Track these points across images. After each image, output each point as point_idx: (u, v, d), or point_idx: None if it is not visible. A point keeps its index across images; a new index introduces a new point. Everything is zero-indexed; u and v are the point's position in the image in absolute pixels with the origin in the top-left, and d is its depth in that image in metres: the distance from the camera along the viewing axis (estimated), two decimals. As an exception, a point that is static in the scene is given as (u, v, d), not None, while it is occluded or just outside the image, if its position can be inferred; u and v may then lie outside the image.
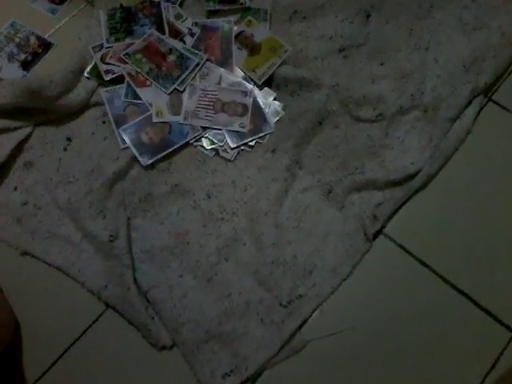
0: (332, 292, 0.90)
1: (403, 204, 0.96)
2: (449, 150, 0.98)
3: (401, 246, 0.93)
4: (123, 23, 1.07)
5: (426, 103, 1.01)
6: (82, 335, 0.88)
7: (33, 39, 1.08)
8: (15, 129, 0.98)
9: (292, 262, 0.91)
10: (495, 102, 1.03)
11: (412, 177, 0.96)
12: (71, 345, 0.88)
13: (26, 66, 1.06)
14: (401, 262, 0.92)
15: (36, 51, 1.08)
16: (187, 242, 0.92)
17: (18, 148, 0.98)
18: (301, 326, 0.87)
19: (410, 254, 0.92)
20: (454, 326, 0.87)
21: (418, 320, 0.88)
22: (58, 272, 0.92)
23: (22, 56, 1.07)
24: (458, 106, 1.00)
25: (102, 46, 1.05)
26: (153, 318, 0.87)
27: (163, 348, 0.87)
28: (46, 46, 1.08)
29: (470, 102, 1.01)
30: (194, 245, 0.92)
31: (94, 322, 0.89)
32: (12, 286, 0.91)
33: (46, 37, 1.09)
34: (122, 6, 1.09)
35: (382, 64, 1.05)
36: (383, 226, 0.94)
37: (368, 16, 1.09)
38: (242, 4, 1.09)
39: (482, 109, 1.02)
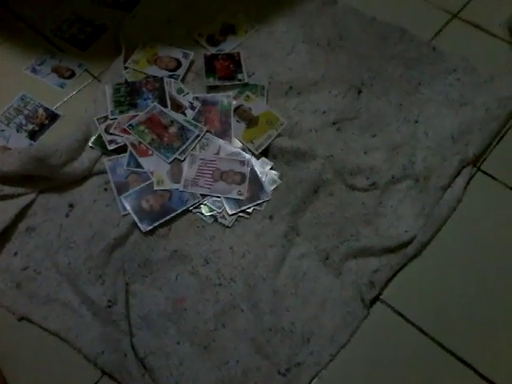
0: (330, 360, 0.89)
1: (399, 270, 0.97)
2: (441, 217, 1.01)
3: (398, 313, 0.93)
4: (128, 97, 1.12)
5: (418, 173, 1.04)
6: (77, 403, 0.86)
7: (40, 111, 1.13)
8: (19, 195, 1.00)
9: (290, 329, 0.91)
10: (484, 172, 1.07)
11: (406, 244, 0.97)
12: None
13: (33, 136, 1.11)
14: (399, 328, 0.91)
15: (43, 122, 1.12)
16: (185, 308, 0.92)
17: (21, 213, 1.00)
18: (299, 395, 0.86)
19: (408, 320, 0.92)
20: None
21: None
22: (54, 337, 0.91)
23: (30, 126, 1.12)
24: (448, 175, 1.03)
25: (106, 117, 1.10)
26: (150, 386, 0.86)
27: (159, 416, 0.85)
28: (53, 117, 1.13)
29: (459, 172, 1.05)
30: (192, 311, 0.92)
31: (89, 390, 0.87)
32: (7, 351, 0.90)
33: (53, 109, 1.14)
34: (126, 81, 1.15)
35: (373, 136, 1.10)
36: (380, 293, 0.94)
37: (359, 92, 1.16)
38: (240, 80, 1.16)
39: (471, 178, 1.05)
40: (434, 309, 0.93)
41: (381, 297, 0.95)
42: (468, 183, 1.05)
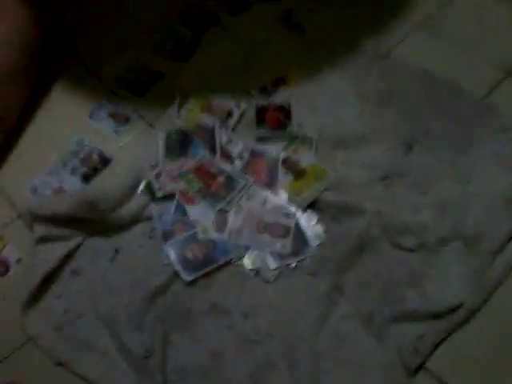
0: (371, 430, 0.85)
1: (446, 338, 0.92)
2: (492, 284, 0.96)
3: (443, 383, 0.88)
4: (179, 144, 1.15)
5: (468, 235, 1.00)
6: None
7: (95, 156, 1.17)
8: (67, 237, 1.03)
9: (329, 393, 0.88)
10: (539, 238, 1.02)
11: (454, 310, 0.93)
12: None
13: (86, 179, 1.14)
14: (444, 400, 0.87)
15: (96, 166, 1.16)
16: (221, 363, 0.91)
17: (68, 256, 1.02)
18: None
19: (454, 392, 0.87)
20: None
21: None
22: (89, 384, 0.91)
23: (84, 170, 1.15)
24: (500, 239, 0.99)
25: (157, 164, 1.12)
26: None
27: None
28: (105, 161, 1.17)
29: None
30: (228, 367, 0.91)
31: None
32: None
33: (107, 154, 1.18)
34: (179, 128, 1.18)
35: (423, 194, 1.07)
36: (425, 361, 0.90)
37: (410, 147, 1.14)
38: (289, 132, 1.16)
39: (525, 244, 1.01)
40: (481, 381, 0.88)
41: (425, 365, 0.90)
42: (522, 249, 1.00)
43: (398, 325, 0.94)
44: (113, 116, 1.25)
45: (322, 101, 1.23)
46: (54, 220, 1.02)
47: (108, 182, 1.10)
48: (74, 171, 1.15)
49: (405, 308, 0.94)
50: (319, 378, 0.89)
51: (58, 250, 1.02)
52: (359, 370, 0.90)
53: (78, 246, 1.04)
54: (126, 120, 1.24)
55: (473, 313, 0.94)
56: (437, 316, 0.93)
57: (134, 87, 1.29)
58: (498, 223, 1.01)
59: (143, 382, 0.89)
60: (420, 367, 0.90)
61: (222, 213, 1.06)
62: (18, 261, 1.05)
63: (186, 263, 1.00)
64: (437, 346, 0.92)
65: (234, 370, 0.90)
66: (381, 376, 0.89)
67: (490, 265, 0.98)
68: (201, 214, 1.05)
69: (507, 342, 0.92)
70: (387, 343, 0.92)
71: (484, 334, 0.93)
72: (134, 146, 1.19)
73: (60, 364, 0.93)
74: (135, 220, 1.07)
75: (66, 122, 1.24)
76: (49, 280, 1.00)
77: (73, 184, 1.13)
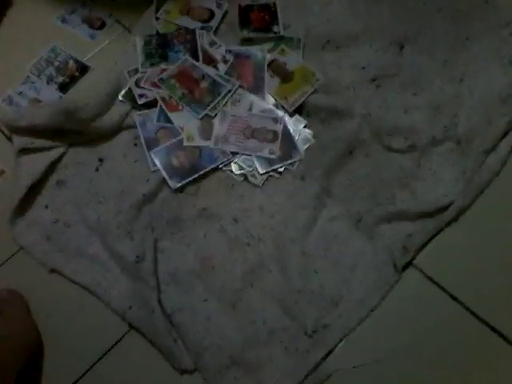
0: (359, 323, 0.87)
1: (434, 236, 0.93)
2: (482, 182, 0.95)
3: (431, 279, 0.90)
4: (158, 49, 1.09)
5: (460, 135, 0.99)
6: (104, 355, 0.88)
7: (71, 63, 1.12)
8: (50, 148, 1.00)
9: (318, 291, 0.89)
10: (531, 136, 1.00)
11: (444, 209, 0.93)
12: (93, 364, 0.88)
13: (63, 88, 1.09)
14: (430, 295, 0.89)
15: (73, 74, 1.11)
16: (213, 266, 0.92)
17: (51, 167, 1.00)
18: (326, 356, 0.85)
19: (440, 287, 0.89)
20: (485, 365, 0.84)
21: (446, 356, 0.85)
22: (83, 291, 0.92)
23: (60, 79, 1.10)
24: (493, 138, 0.97)
25: (137, 70, 1.07)
26: (176, 342, 0.86)
27: (185, 372, 0.86)
28: (83, 69, 1.11)
29: (505, 135, 0.98)
30: (220, 269, 0.92)
31: (116, 343, 0.89)
32: (38, 303, 0.92)
33: (83, 60, 1.12)
34: (158, 32, 1.12)
35: (415, 94, 1.04)
36: (413, 258, 0.91)
37: (402, 47, 1.09)
38: (275, 33, 1.10)
39: (517, 142, 1.00)
40: (468, 276, 0.90)
41: (414, 262, 0.92)
42: (514, 147, 0.99)
43: (388, 224, 0.94)
44: (87, 21, 1.17)
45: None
46: (34, 131, 0.98)
47: (87, 91, 1.05)
48: (50, 80, 1.10)
49: (394, 208, 0.94)
50: (310, 278, 0.90)
51: (41, 161, 0.99)
52: (349, 268, 0.91)
53: (60, 157, 1.01)
54: (102, 25, 1.17)
55: (462, 211, 0.94)
56: (426, 214, 0.94)
57: (108, -11, 1.21)
58: (491, 122, 0.99)
59: (136, 287, 0.90)
60: (408, 264, 0.91)
61: (207, 119, 1.02)
62: (1, 173, 1.03)
63: (173, 170, 0.98)
64: (425, 244, 0.93)
65: (226, 271, 0.91)
66: (370, 273, 0.91)
67: (482, 164, 0.97)
68: (185, 120, 1.02)
69: (494, 239, 0.93)
70: (377, 242, 0.93)
71: (472, 232, 0.94)
72: (111, 52, 1.13)
73: (53, 271, 0.94)
74: (118, 128, 1.03)
75: (38, 30, 1.17)
76: (34, 191, 0.99)
77: (50, 94, 1.08)
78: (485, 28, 1.09)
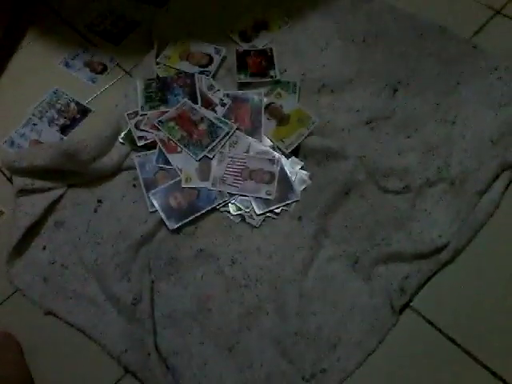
0: (357, 367, 0.86)
1: (431, 277, 0.93)
2: (477, 223, 0.96)
3: (428, 321, 0.90)
4: (158, 92, 1.12)
5: (453, 176, 1.00)
6: (99, 400, 0.87)
7: (72, 105, 1.14)
8: (49, 189, 1.01)
9: (316, 333, 0.89)
10: (523, 177, 1.02)
11: (439, 250, 0.94)
12: (88, 410, 0.87)
13: (64, 130, 1.12)
14: (428, 337, 0.88)
15: (75, 117, 1.13)
16: (209, 308, 0.91)
17: (50, 208, 1.01)
18: (324, 402, 0.84)
19: (438, 329, 0.89)
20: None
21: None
22: (79, 333, 0.91)
23: (62, 121, 1.13)
24: (486, 180, 0.99)
25: (137, 113, 1.10)
26: (172, 387, 0.85)
27: (181, 417, 0.84)
28: (84, 111, 1.14)
29: (497, 176, 1.00)
30: (217, 311, 0.91)
31: (112, 388, 0.88)
32: (33, 345, 0.91)
33: (84, 103, 1.15)
34: (158, 76, 1.15)
35: (408, 137, 1.06)
36: (410, 300, 0.91)
37: (395, 90, 1.12)
38: (272, 77, 1.14)
39: (510, 183, 1.01)
40: (466, 318, 0.90)
41: (411, 304, 0.91)
42: (507, 188, 1.00)
43: (385, 266, 0.95)
44: (89, 65, 1.21)
45: (305, 45, 1.20)
46: (34, 172, 1.00)
47: (87, 133, 1.07)
48: (51, 122, 1.12)
49: (391, 249, 0.94)
50: (308, 320, 0.90)
51: (40, 202, 1.00)
52: (347, 310, 0.91)
53: (59, 198, 1.02)
54: (103, 69, 1.20)
55: (458, 252, 0.95)
56: (422, 256, 0.94)
57: (109, 35, 1.25)
58: (483, 164, 1.01)
59: (132, 329, 0.89)
60: (405, 306, 0.91)
61: (206, 160, 1.04)
62: (0, 214, 1.04)
63: (171, 211, 0.99)
64: (422, 285, 0.93)
65: (223, 313, 0.91)
66: (368, 316, 0.90)
67: (475, 205, 0.98)
68: (184, 162, 1.04)
69: (490, 280, 0.93)
70: (374, 284, 0.93)
71: (468, 273, 0.94)
72: (112, 95, 1.16)
73: (49, 313, 0.93)
74: (117, 170, 1.05)
75: (41, 73, 1.21)
76: (32, 232, 0.99)
77: (51, 135, 1.11)
78: (474, 72, 1.12)
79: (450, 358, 0.87)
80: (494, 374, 0.85)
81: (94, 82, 1.18)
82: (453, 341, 0.88)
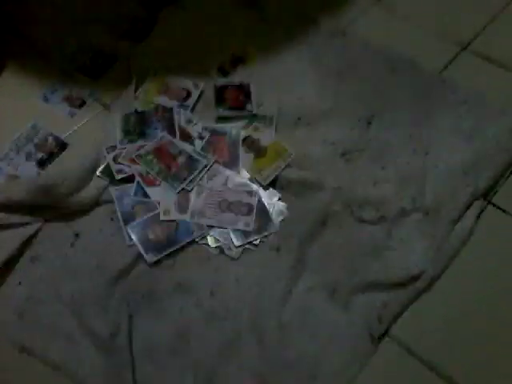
0: (337, 397, 0.86)
1: (409, 305, 0.94)
2: (452, 251, 0.99)
3: (407, 349, 0.90)
4: (137, 126, 1.13)
5: (427, 206, 1.03)
6: None
7: (50, 140, 1.14)
8: (26, 224, 1.00)
9: (296, 364, 0.89)
10: (494, 205, 1.05)
11: (416, 278, 0.95)
12: None
13: (42, 164, 1.11)
14: (407, 364, 0.89)
15: (52, 151, 1.13)
16: (188, 340, 0.91)
17: (26, 243, 0.99)
18: None
19: (417, 356, 0.89)
20: None
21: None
22: (55, 372, 0.89)
23: (39, 155, 1.12)
24: (459, 208, 1.02)
25: (115, 147, 1.10)
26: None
27: None
28: (62, 146, 1.14)
29: (470, 205, 1.03)
30: (196, 344, 0.90)
31: (89, 427, 0.85)
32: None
33: (63, 138, 1.15)
34: (136, 110, 1.16)
35: (383, 168, 1.09)
36: (388, 328, 0.92)
37: (369, 123, 1.15)
38: (249, 111, 1.16)
39: (482, 211, 1.04)
40: (444, 345, 0.91)
41: (389, 332, 0.92)
42: (479, 216, 1.03)
43: (362, 295, 0.96)
44: (67, 99, 1.21)
45: (282, 79, 1.23)
46: (10, 207, 0.99)
47: (65, 167, 1.07)
48: (28, 157, 1.12)
49: (368, 278, 0.96)
50: (287, 350, 0.90)
51: (16, 236, 0.98)
52: (326, 340, 0.91)
53: (36, 232, 1.01)
54: (82, 103, 1.21)
55: (434, 280, 0.96)
56: (399, 284, 0.96)
57: (88, 70, 1.26)
58: (456, 193, 1.04)
59: (111, 364, 0.88)
60: (384, 334, 0.92)
61: (184, 193, 1.05)
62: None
63: (149, 244, 0.98)
64: (400, 313, 0.94)
65: (202, 346, 0.90)
66: (347, 345, 0.91)
67: (450, 233, 1.00)
68: (162, 195, 1.04)
69: (467, 307, 0.94)
70: (352, 313, 0.94)
71: (445, 300, 0.95)
72: (90, 129, 1.16)
73: (24, 351, 0.91)
74: (95, 204, 1.04)
75: (19, 107, 1.20)
76: (8, 267, 0.98)
77: (28, 170, 1.10)
78: (444, 105, 1.17)
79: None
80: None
81: (72, 116, 1.19)
82: (431, 367, 0.88)
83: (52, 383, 0.89)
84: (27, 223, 1.00)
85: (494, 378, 0.88)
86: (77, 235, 1.01)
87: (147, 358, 0.89)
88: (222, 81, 1.22)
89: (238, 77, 1.23)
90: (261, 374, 0.87)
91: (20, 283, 0.97)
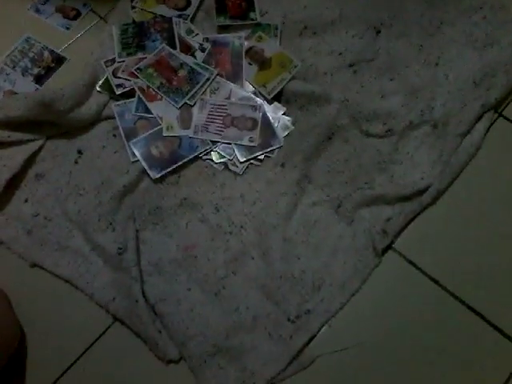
0: (341, 307, 0.89)
1: (413, 219, 0.95)
2: (459, 165, 0.98)
3: (410, 262, 0.92)
4: (135, 38, 1.08)
5: (436, 119, 1.00)
6: (89, 348, 0.88)
7: (46, 54, 1.10)
8: (27, 141, 0.99)
9: (300, 276, 0.91)
10: (505, 118, 1.02)
11: (422, 192, 0.95)
12: (78, 357, 0.88)
13: (39, 80, 1.08)
14: (410, 277, 0.91)
15: (49, 66, 1.09)
16: (195, 255, 0.92)
17: (30, 160, 0.99)
18: (309, 341, 0.87)
19: (420, 269, 0.91)
20: (465, 343, 0.86)
21: (427, 336, 0.87)
22: (66, 284, 0.92)
23: (36, 70, 1.09)
24: (468, 121, 0.99)
25: (114, 60, 1.06)
26: (160, 332, 0.87)
27: (170, 362, 0.87)
28: (58, 60, 1.10)
29: (480, 118, 1.00)
30: (202, 258, 0.92)
31: (101, 335, 0.89)
32: (20, 298, 0.91)
33: (59, 51, 1.11)
34: (134, 21, 1.11)
35: (391, 80, 1.05)
36: (392, 241, 0.93)
37: (378, 32, 1.10)
38: (252, 20, 1.10)
39: (492, 124, 1.01)
40: (447, 258, 0.92)
41: (393, 245, 0.93)
42: (488, 129, 1.01)
43: (367, 209, 0.96)
44: (61, 10, 1.16)
45: (286, -15, 1.15)
46: (10, 124, 0.97)
47: (63, 82, 1.03)
48: (25, 72, 1.08)
49: (373, 192, 0.95)
50: (292, 263, 0.91)
51: (19, 154, 0.97)
52: (330, 253, 0.93)
53: (39, 150, 1.00)
54: (76, 15, 1.15)
55: (440, 194, 0.96)
56: (405, 198, 0.96)
57: (81, -22, 1.19)
58: (466, 105, 1.01)
59: (119, 278, 0.90)
60: (388, 248, 0.93)
61: (187, 108, 1.02)
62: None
63: (153, 161, 0.98)
64: (404, 227, 0.94)
65: (208, 260, 0.92)
66: (351, 258, 0.92)
67: (458, 146, 0.99)
68: (164, 110, 1.02)
69: (471, 221, 0.95)
70: (356, 227, 0.95)
71: (449, 214, 0.96)
72: (87, 42, 1.12)
73: (35, 265, 0.93)
74: (96, 119, 1.03)
75: (11, 19, 1.15)
76: (13, 185, 0.98)
77: (25, 85, 1.07)
78: (458, 12, 1.10)
79: (432, 296, 0.90)
80: (473, 310, 0.88)
81: (67, 28, 1.13)
82: (434, 280, 0.91)
83: (65, 295, 0.92)
84: (29, 140, 0.99)
85: (494, 289, 0.90)
86: (80, 152, 1.00)
87: (155, 271, 0.92)
88: (223, -13, 1.16)
89: (240, -17, 1.16)
90: (265, 286, 0.89)
91: (26, 200, 0.97)
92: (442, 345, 0.86)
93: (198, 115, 1.01)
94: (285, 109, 1.03)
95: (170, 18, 1.10)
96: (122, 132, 1.00)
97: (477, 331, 0.87)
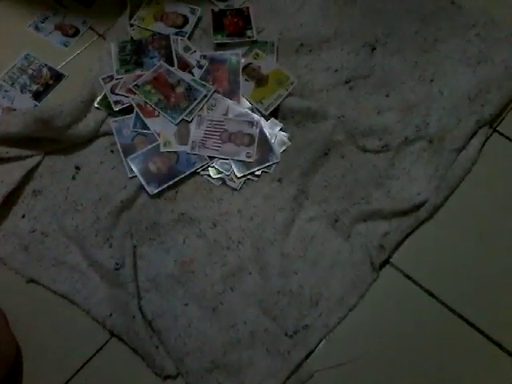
0: (339, 322, 0.89)
1: (410, 234, 0.95)
2: (455, 180, 0.98)
3: (407, 276, 0.92)
4: (133, 55, 1.09)
5: (432, 134, 1.01)
6: (86, 363, 0.88)
7: (45, 71, 1.11)
8: (25, 157, 0.99)
9: (298, 291, 0.90)
10: (500, 133, 1.03)
11: (418, 207, 0.95)
12: (75, 373, 0.87)
13: (38, 96, 1.09)
14: (407, 291, 0.91)
15: (48, 82, 1.10)
16: (192, 270, 0.92)
17: (28, 176, 0.99)
18: (307, 357, 0.86)
19: (417, 284, 0.91)
20: (463, 357, 0.86)
21: (425, 351, 0.86)
22: (63, 300, 0.91)
23: (34, 87, 1.09)
24: (464, 136, 1.00)
25: (112, 77, 1.07)
26: (157, 347, 0.86)
27: (168, 377, 0.86)
28: (57, 77, 1.11)
29: (475, 133, 1.01)
30: (200, 273, 0.92)
31: (98, 351, 0.88)
32: (17, 314, 0.91)
33: (57, 68, 1.12)
34: (132, 38, 1.12)
35: (387, 96, 1.06)
36: (390, 256, 0.93)
37: (373, 49, 1.11)
38: (249, 37, 1.12)
39: (487, 139, 1.02)
40: (444, 272, 0.92)
41: (390, 260, 0.93)
42: (483, 145, 1.01)
43: (364, 224, 0.96)
44: (60, 28, 1.17)
45: (283, 3, 1.18)
46: (8, 140, 0.97)
47: (61, 98, 1.05)
48: (23, 89, 1.09)
49: (370, 207, 0.96)
50: (290, 278, 0.91)
51: (16, 170, 0.98)
52: (327, 268, 0.93)
53: (36, 166, 1.00)
54: (75, 32, 1.16)
55: (436, 209, 0.96)
56: (401, 213, 0.96)
57: (80, -4, 1.20)
58: (461, 121, 1.02)
59: (116, 293, 0.90)
60: (385, 263, 0.93)
61: (184, 124, 1.03)
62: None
63: (150, 176, 0.98)
64: (401, 242, 0.95)
65: (205, 275, 0.92)
66: (348, 273, 0.92)
67: (453, 162, 0.99)
68: (161, 126, 1.02)
69: (468, 235, 0.95)
70: (354, 242, 0.95)
71: (446, 229, 0.96)
72: (85, 60, 1.13)
73: (32, 281, 0.93)
74: (94, 136, 1.03)
75: (11, 37, 1.16)
76: (10, 201, 0.98)
77: (24, 102, 1.08)
78: (452, 29, 1.12)
79: (430, 311, 0.89)
80: (471, 324, 0.88)
81: (66, 45, 1.15)
82: (431, 294, 0.90)
83: (62, 310, 0.91)
84: (26, 156, 0.99)
85: (492, 303, 0.90)
86: (77, 168, 1.01)
87: (152, 287, 0.91)
88: (220, 6, 1.17)
89: (237, 1, 1.18)
90: (263, 302, 0.89)
91: (23, 216, 0.97)
92: (441, 359, 0.86)
93: (195, 131, 1.02)
94: (281, 125, 1.04)
95: (168, 36, 1.11)
96: (119, 148, 1.01)
97: (475, 345, 0.86)
